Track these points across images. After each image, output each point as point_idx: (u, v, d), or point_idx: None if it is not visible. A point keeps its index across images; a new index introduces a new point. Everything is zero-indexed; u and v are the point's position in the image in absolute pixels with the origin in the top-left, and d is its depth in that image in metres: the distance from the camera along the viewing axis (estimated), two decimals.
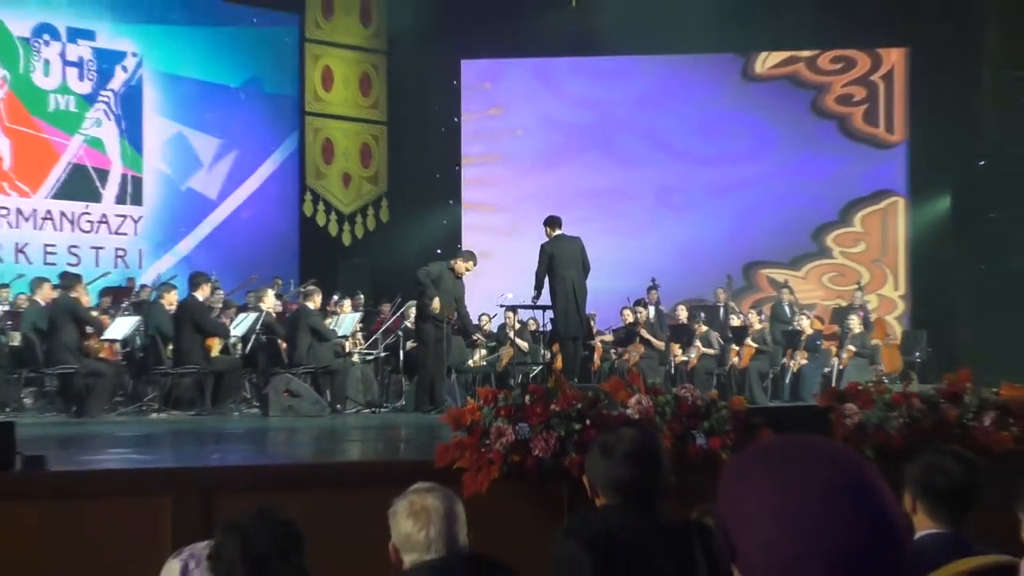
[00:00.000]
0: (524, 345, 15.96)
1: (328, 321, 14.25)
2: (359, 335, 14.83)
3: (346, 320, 14.65)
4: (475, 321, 15.08)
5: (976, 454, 4.43)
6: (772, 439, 1.87)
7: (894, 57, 19.93)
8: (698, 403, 5.97)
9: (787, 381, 16.42)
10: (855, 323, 16.71)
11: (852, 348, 16.40)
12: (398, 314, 14.98)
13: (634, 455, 3.76)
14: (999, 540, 3.50)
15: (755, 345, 16.48)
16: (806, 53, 20.00)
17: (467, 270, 13.24)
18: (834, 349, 16.59)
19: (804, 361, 16.45)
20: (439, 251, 13.31)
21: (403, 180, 20.18)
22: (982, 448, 6.27)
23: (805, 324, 16.98)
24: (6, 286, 15.27)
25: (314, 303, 13.99)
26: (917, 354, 17.22)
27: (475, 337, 15.11)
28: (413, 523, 3.60)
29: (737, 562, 1.75)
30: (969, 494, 3.87)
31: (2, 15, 17.32)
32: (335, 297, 15.53)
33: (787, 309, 17.37)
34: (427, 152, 20.47)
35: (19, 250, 17.40)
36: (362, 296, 16.32)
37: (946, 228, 19.21)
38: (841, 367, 16.01)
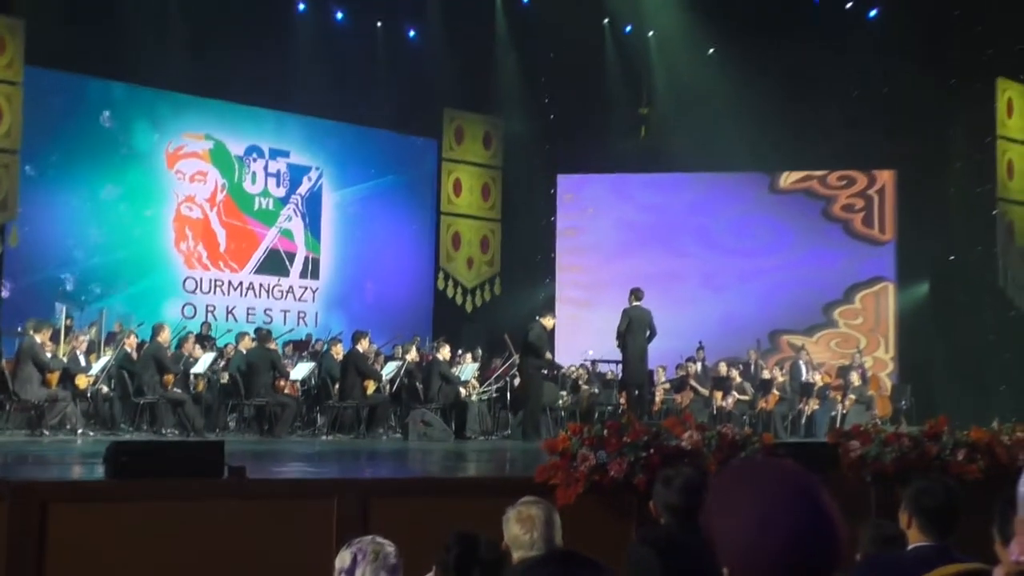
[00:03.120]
0: (596, 391, 15.83)
1: (454, 369, 14.27)
2: (476, 380, 14.81)
3: (467, 368, 14.65)
4: (564, 369, 15.43)
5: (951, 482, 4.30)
6: (742, 461, 1.92)
7: (885, 177, 19.63)
8: (736, 438, 5.87)
9: (803, 422, 16.13)
10: (855, 378, 16.41)
11: (853, 397, 16.09)
12: (506, 364, 14.93)
13: (686, 488, 3.76)
14: (978, 552, 3.37)
15: (778, 393, 16.22)
16: (819, 172, 19.75)
17: (553, 325, 13.53)
18: (839, 397, 16.28)
19: (816, 407, 16.15)
20: (537, 318, 13.33)
21: (512, 263, 20.22)
22: (956, 477, 6.09)
23: (817, 378, 16.71)
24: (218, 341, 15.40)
25: (444, 355, 14.03)
26: (903, 403, 16.81)
27: (558, 372, 15.19)
28: (520, 528, 3.56)
29: (720, 556, 1.75)
30: (952, 513, 3.77)
31: (224, 138, 17.68)
32: (459, 351, 15.50)
33: (803, 366, 17.04)
34: (530, 243, 20.49)
35: (229, 311, 17.63)
36: (480, 351, 16.30)
37: (925, 307, 18.81)
38: (845, 412, 15.73)
